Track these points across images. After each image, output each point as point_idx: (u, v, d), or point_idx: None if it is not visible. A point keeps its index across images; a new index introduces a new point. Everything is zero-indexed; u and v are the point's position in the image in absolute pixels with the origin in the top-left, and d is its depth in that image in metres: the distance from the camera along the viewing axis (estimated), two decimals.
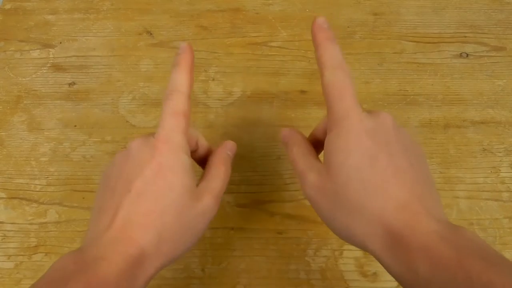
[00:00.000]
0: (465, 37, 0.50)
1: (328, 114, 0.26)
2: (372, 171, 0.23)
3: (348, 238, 0.24)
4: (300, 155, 0.28)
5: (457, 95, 0.46)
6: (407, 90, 0.46)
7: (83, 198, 0.40)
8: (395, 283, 0.35)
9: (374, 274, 0.36)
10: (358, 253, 0.37)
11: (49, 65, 0.49)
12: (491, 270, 0.19)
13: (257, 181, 0.41)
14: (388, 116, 0.26)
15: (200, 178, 0.28)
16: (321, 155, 0.28)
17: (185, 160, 0.26)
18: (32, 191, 0.41)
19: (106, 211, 0.25)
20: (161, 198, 0.25)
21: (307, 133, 0.45)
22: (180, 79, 0.27)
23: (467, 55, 0.49)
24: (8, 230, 0.39)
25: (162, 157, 0.25)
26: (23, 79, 0.48)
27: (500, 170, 0.41)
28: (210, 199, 0.26)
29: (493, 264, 0.19)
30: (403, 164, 0.23)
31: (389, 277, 0.23)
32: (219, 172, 0.28)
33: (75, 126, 0.44)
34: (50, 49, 0.50)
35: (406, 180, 0.23)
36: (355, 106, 0.25)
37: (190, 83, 0.28)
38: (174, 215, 0.25)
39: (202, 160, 0.31)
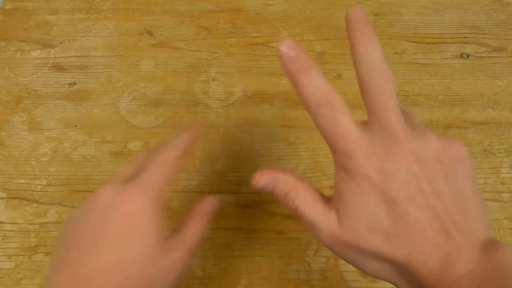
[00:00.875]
0: (466, 37, 0.50)
1: (330, 150, 0.23)
2: (392, 220, 0.21)
3: (382, 279, 0.23)
4: (303, 202, 0.24)
5: (458, 95, 0.46)
6: (408, 91, 0.46)
7: (83, 198, 0.40)
8: None
9: None
10: None
11: (49, 65, 0.49)
12: None
13: None
14: (401, 144, 0.22)
15: (177, 230, 0.28)
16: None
17: (160, 209, 0.25)
18: (33, 191, 0.41)
19: (68, 263, 0.23)
20: (128, 249, 0.23)
21: (307, 133, 0.45)
22: (184, 139, 0.29)
23: (468, 55, 0.49)
24: (9, 230, 0.39)
25: (138, 205, 0.24)
26: (24, 79, 0.48)
27: (500, 171, 0.41)
28: (183, 253, 0.25)
29: None
30: (427, 199, 0.21)
31: None
32: (196, 225, 0.28)
33: (76, 126, 0.44)
34: (51, 49, 0.50)
35: (431, 217, 0.21)
36: (356, 142, 0.22)
37: (190, 145, 0.29)
38: (141, 268, 0.23)
39: None
